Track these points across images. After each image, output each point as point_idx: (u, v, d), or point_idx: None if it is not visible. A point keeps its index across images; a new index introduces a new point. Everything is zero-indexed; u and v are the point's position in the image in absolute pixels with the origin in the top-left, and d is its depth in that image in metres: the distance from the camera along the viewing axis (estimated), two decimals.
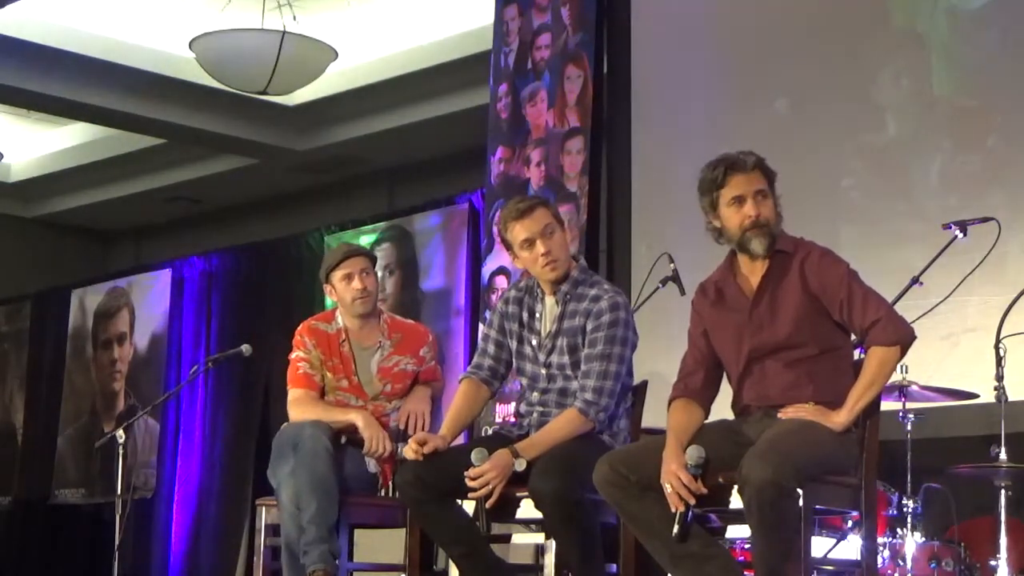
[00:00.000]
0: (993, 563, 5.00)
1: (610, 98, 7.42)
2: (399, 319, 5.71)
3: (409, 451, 4.69)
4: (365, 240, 8.96)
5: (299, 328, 5.54)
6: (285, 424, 5.36)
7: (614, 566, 4.72)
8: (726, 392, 4.41)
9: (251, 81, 8.26)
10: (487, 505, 4.57)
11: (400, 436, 5.41)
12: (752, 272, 4.31)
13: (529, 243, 4.74)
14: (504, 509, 4.70)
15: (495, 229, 7.56)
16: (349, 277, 5.44)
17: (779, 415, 4.16)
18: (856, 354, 4.37)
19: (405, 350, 5.50)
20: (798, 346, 4.23)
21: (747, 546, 4.94)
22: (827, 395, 4.19)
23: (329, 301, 5.64)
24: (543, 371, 4.82)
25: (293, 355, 5.48)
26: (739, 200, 4.25)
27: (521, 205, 4.79)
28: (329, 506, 5.03)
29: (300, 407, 5.39)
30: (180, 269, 10.55)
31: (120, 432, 6.24)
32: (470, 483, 4.56)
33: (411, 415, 5.40)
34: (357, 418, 5.31)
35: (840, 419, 4.11)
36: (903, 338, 4.17)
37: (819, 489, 4.09)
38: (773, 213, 4.27)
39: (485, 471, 4.56)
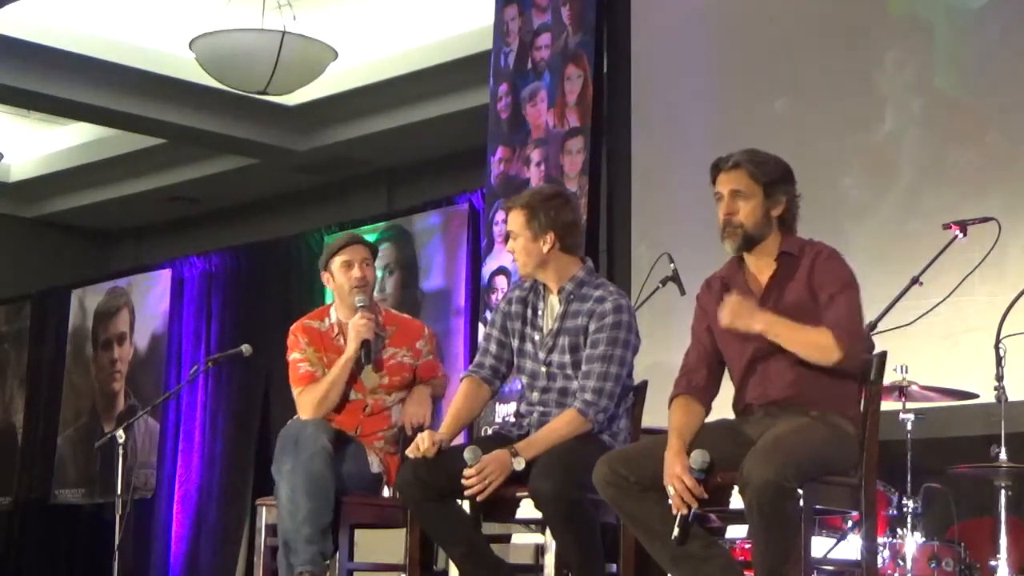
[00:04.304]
0: (993, 563, 5.00)
1: (610, 98, 7.42)
2: (395, 313, 5.70)
3: (413, 449, 4.70)
4: None
5: (292, 328, 5.49)
6: (291, 420, 5.36)
7: (614, 566, 4.73)
8: (726, 392, 4.41)
9: (251, 81, 8.26)
10: (479, 499, 4.58)
11: (401, 436, 5.42)
12: (760, 272, 4.30)
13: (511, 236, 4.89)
14: (504, 509, 4.71)
15: (495, 229, 7.60)
16: (349, 265, 5.39)
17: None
18: None
19: (401, 342, 5.47)
20: None
21: (747, 546, 4.94)
22: (829, 394, 4.18)
23: (329, 297, 5.60)
24: (543, 369, 4.82)
25: (291, 356, 5.44)
26: (719, 198, 4.27)
27: (509, 203, 4.92)
28: (323, 506, 5.02)
29: (307, 395, 5.33)
30: (180, 269, 10.56)
31: (120, 432, 6.24)
32: (467, 481, 4.56)
33: (412, 418, 5.39)
34: (349, 349, 5.31)
35: (759, 323, 4.11)
36: (848, 351, 4.08)
37: (819, 489, 4.09)
38: (754, 215, 4.23)
39: (485, 466, 4.57)
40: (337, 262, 5.41)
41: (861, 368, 4.20)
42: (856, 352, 4.13)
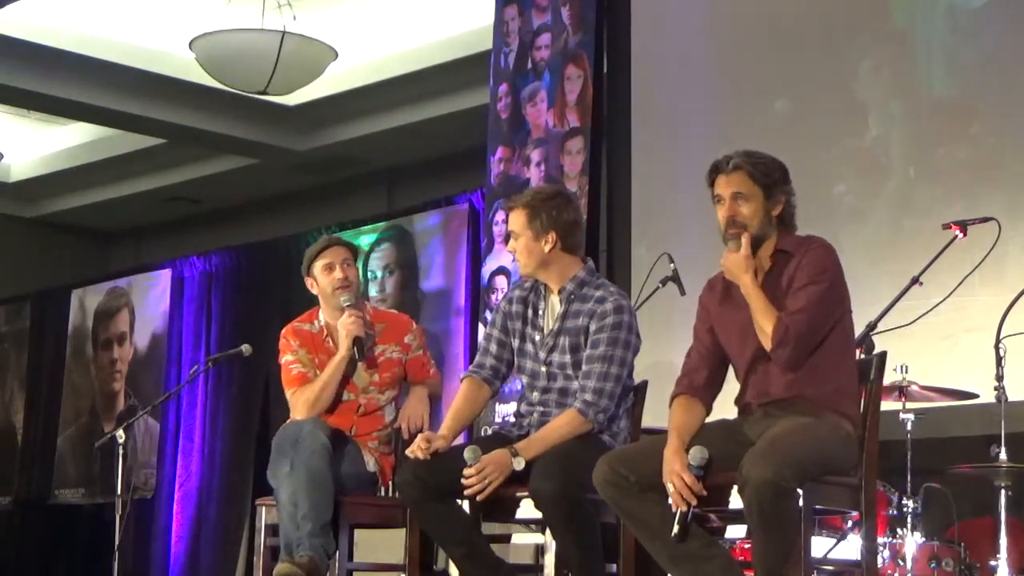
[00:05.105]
0: (993, 563, 5.00)
1: (610, 98, 7.42)
2: (382, 310, 5.72)
3: (413, 449, 4.70)
4: (365, 240, 8.96)
5: (283, 331, 5.52)
6: (285, 423, 5.36)
7: (614, 566, 4.73)
8: (727, 392, 4.41)
9: (251, 81, 8.26)
10: (479, 499, 4.58)
11: (396, 436, 5.42)
12: (760, 270, 4.30)
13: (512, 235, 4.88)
14: (504, 509, 4.71)
15: (495, 229, 7.60)
16: (330, 267, 5.41)
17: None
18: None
19: (389, 339, 5.48)
20: None
21: (747, 546, 4.93)
22: (828, 394, 4.18)
23: None
24: (543, 369, 4.82)
25: (283, 359, 5.47)
26: (719, 200, 4.27)
27: (510, 202, 4.92)
28: (324, 503, 5.03)
29: (300, 396, 5.35)
30: (180, 269, 10.57)
31: (120, 432, 6.24)
32: (467, 481, 4.57)
33: (410, 419, 5.39)
34: (342, 348, 5.31)
35: (743, 282, 4.16)
36: (779, 345, 4.11)
37: (819, 489, 4.09)
38: (757, 217, 4.23)
39: (484, 466, 4.57)
40: (318, 265, 5.43)
41: (791, 364, 4.16)
42: (789, 350, 4.12)
